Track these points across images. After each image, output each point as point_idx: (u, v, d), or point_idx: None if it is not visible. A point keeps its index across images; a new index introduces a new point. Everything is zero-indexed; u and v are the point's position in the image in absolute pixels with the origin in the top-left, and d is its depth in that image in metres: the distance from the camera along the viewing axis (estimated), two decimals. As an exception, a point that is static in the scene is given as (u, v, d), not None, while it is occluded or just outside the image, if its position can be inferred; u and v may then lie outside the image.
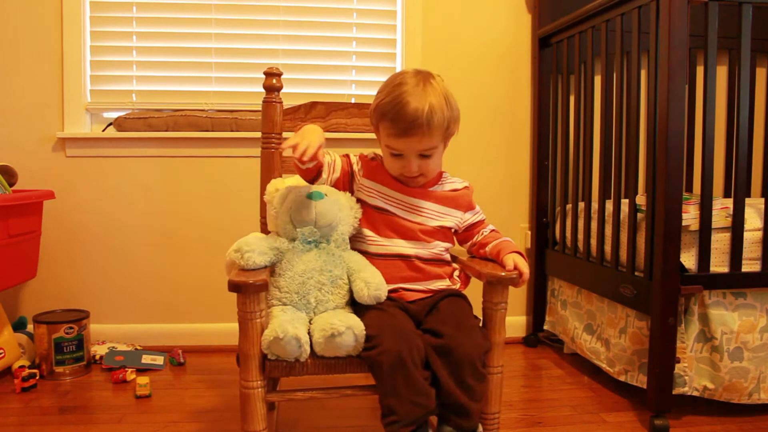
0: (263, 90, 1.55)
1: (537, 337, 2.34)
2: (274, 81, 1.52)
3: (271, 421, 1.55)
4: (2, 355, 1.84)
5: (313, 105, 1.57)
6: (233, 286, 1.09)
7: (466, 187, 1.37)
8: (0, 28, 2.14)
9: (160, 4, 2.23)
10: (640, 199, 1.68)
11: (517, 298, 2.39)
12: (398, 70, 2.33)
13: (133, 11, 2.23)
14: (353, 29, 2.32)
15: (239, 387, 1.13)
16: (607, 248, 1.83)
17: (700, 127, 1.63)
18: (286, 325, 1.09)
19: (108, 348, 2.09)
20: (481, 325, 1.21)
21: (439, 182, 1.34)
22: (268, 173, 1.50)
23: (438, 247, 1.30)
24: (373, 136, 1.38)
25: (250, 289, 1.09)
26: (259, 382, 1.12)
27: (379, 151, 1.37)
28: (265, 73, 1.52)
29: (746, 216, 1.59)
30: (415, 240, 1.28)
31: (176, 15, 2.24)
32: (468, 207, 1.35)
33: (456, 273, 1.36)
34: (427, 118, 1.16)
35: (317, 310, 1.21)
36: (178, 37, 2.25)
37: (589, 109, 1.96)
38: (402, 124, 1.17)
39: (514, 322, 2.39)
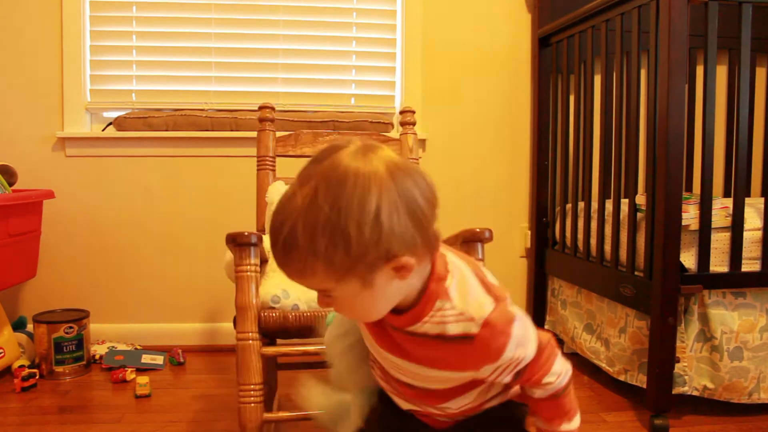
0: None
1: (537, 336, 2.33)
2: (267, 113, 1.67)
3: (269, 428, 1.55)
4: (2, 354, 1.84)
5: (299, 134, 1.70)
6: (230, 238, 1.17)
7: (469, 336, 0.70)
8: (0, 28, 2.15)
9: (160, 4, 2.23)
10: (640, 199, 1.68)
11: (516, 297, 2.39)
12: (398, 70, 2.34)
13: (133, 11, 2.23)
14: (353, 29, 2.32)
15: (236, 341, 1.18)
16: (607, 248, 1.83)
17: (700, 127, 1.63)
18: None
19: (108, 348, 2.09)
20: None
21: (423, 319, 0.72)
22: (262, 190, 1.64)
23: (466, 399, 0.81)
24: None
25: (244, 240, 1.17)
26: (254, 334, 1.17)
27: None
28: (259, 108, 1.67)
29: (746, 216, 1.59)
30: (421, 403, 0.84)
31: (176, 15, 2.24)
32: (487, 359, 0.72)
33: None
34: (286, 242, 0.64)
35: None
36: (178, 37, 2.25)
37: (589, 109, 1.96)
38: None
39: (514, 322, 2.39)
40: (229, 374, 1.97)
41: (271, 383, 1.57)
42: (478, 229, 1.24)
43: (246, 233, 1.18)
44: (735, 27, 1.55)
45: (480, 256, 1.26)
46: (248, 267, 1.19)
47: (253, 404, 1.15)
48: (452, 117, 2.34)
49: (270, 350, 1.23)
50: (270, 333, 1.25)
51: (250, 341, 1.16)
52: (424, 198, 0.66)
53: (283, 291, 1.22)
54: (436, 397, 0.79)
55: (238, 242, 1.18)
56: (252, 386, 1.15)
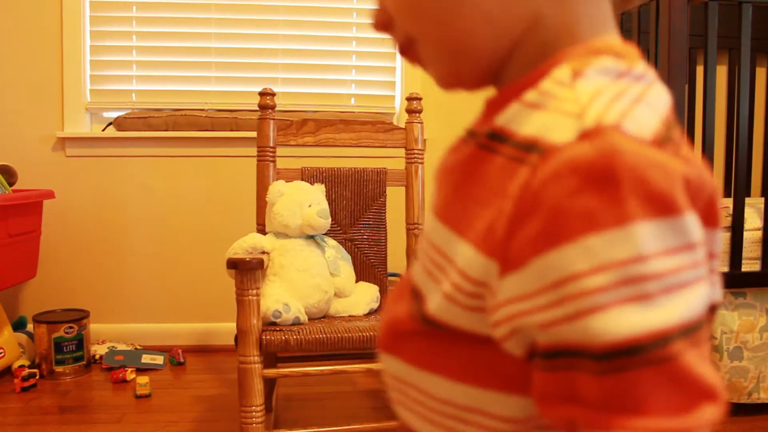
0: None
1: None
2: (268, 100, 1.61)
3: (268, 421, 1.55)
4: (2, 354, 1.84)
5: (304, 122, 1.64)
6: (231, 264, 1.18)
7: (527, 150, 0.31)
8: (0, 28, 2.15)
9: (160, 4, 2.23)
10: (640, 199, 1.68)
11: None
12: (398, 70, 2.34)
13: (133, 11, 2.23)
14: (353, 29, 2.32)
15: (237, 365, 1.19)
16: (607, 248, 1.83)
17: (700, 127, 1.63)
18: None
19: (108, 347, 2.09)
20: None
21: (525, 91, 0.35)
22: (262, 183, 1.59)
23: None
24: (360, 149, 1.47)
25: (246, 266, 1.18)
26: (256, 357, 1.18)
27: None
28: (259, 93, 1.61)
29: (746, 216, 1.59)
30: None
31: (176, 15, 2.24)
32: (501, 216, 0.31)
33: None
34: None
35: None
36: (178, 37, 2.25)
37: (589, 109, 1.96)
38: None
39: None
40: (229, 374, 1.97)
41: (270, 381, 1.58)
42: None
43: (248, 259, 1.19)
44: (735, 27, 1.55)
45: None
46: (250, 292, 1.20)
47: (255, 425, 1.18)
48: (453, 117, 2.33)
49: (271, 372, 1.26)
50: (272, 353, 1.29)
51: (252, 365, 1.19)
52: None
53: (284, 305, 1.25)
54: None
55: (240, 268, 1.19)
56: (254, 408, 1.18)
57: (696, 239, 0.28)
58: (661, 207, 0.27)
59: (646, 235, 0.27)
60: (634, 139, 0.29)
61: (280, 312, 1.24)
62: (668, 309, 0.27)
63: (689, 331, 0.28)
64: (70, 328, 1.93)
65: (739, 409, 1.64)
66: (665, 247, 0.27)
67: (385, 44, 2.34)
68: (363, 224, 1.62)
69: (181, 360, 2.07)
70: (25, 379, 1.79)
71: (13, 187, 2.00)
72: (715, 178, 0.29)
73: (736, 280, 1.57)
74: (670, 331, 0.27)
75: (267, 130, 1.61)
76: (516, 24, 0.35)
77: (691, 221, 0.28)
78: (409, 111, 1.68)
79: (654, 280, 0.27)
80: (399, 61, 2.33)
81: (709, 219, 0.31)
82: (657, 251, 0.27)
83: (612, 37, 0.36)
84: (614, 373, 0.27)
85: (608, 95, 0.31)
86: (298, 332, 1.23)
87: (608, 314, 0.27)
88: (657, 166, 0.28)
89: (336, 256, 1.48)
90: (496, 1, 0.35)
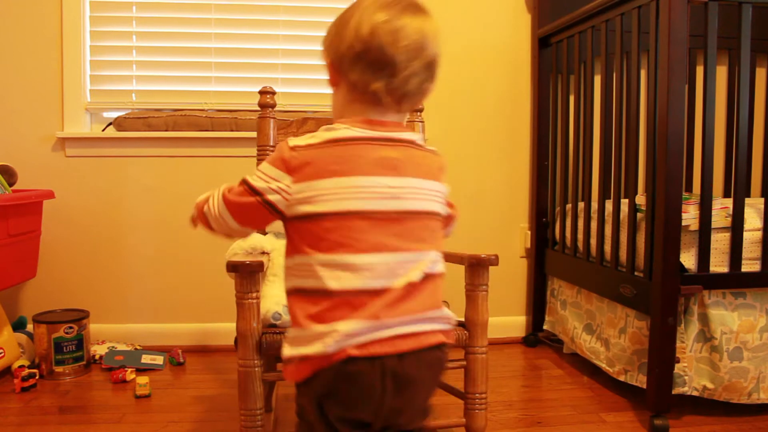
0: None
1: (537, 337, 2.34)
2: (268, 98, 1.61)
3: (268, 421, 1.55)
4: (2, 354, 1.84)
5: (304, 120, 1.65)
6: (231, 267, 1.17)
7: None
8: (0, 28, 2.15)
9: (160, 4, 2.23)
10: (640, 199, 1.68)
11: (516, 298, 2.39)
12: (398, 70, 2.34)
13: (133, 11, 2.23)
14: (353, 29, 2.32)
15: (237, 368, 1.18)
16: (607, 248, 1.83)
17: (700, 127, 1.63)
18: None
19: (108, 348, 2.09)
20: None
21: None
22: None
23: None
24: None
25: (246, 269, 1.17)
26: (256, 361, 1.17)
27: None
28: (259, 92, 1.61)
29: (746, 216, 1.59)
30: None
31: (176, 15, 2.24)
32: None
33: None
34: None
35: None
36: (178, 37, 2.25)
37: (589, 109, 1.96)
38: None
39: (514, 322, 2.39)
40: (228, 375, 1.97)
41: (270, 381, 1.57)
42: (484, 255, 1.27)
43: (248, 262, 1.17)
44: (735, 27, 1.55)
45: (486, 281, 1.29)
46: (250, 295, 1.19)
47: (255, 428, 1.18)
48: (452, 117, 2.33)
49: (271, 376, 1.25)
50: (272, 355, 1.27)
51: (252, 368, 1.18)
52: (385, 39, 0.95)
53: (284, 307, 1.24)
54: None
55: (240, 271, 1.17)
56: (254, 411, 1.18)
57: (272, 175, 0.85)
58: (272, 162, 0.86)
59: (266, 166, 0.87)
60: (287, 145, 0.86)
61: (279, 314, 1.23)
62: (255, 181, 0.86)
63: (250, 187, 0.87)
64: (70, 328, 1.93)
65: (739, 410, 1.64)
66: (266, 171, 0.86)
67: (385, 44, 2.33)
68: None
69: (181, 360, 2.07)
70: (24, 379, 1.79)
71: (13, 187, 2.00)
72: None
73: (736, 281, 1.57)
74: (253, 185, 0.86)
75: (267, 129, 1.61)
76: (339, 113, 0.92)
77: (274, 169, 0.86)
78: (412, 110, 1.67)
79: (260, 175, 0.86)
80: (399, 61, 2.33)
81: (302, 176, 0.84)
82: (264, 171, 0.86)
83: (349, 119, 0.89)
84: (237, 184, 0.89)
85: (308, 134, 0.87)
86: None
87: (251, 177, 0.88)
88: (280, 151, 0.86)
89: None
90: (337, 106, 0.93)
